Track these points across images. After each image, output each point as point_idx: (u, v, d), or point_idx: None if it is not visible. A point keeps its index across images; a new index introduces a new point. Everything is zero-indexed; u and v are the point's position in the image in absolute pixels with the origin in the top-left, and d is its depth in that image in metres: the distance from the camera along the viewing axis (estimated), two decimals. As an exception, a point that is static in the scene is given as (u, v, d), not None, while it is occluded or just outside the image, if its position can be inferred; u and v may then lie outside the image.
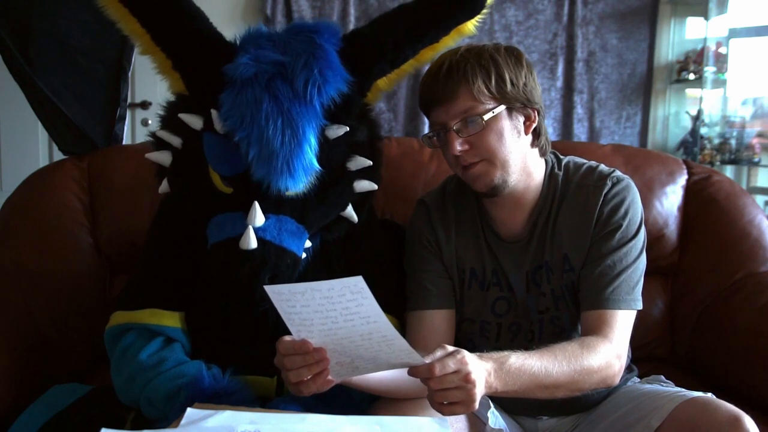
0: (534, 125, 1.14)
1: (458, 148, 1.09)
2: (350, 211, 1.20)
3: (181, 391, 1.05)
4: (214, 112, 1.07)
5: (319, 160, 1.07)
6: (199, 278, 1.18)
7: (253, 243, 1.03)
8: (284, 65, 1.06)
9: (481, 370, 0.91)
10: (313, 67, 1.06)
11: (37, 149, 2.93)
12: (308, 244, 1.14)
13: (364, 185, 1.19)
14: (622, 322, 1.10)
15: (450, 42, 1.18)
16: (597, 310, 1.10)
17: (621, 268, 1.11)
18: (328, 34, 1.11)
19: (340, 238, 1.22)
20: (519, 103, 1.11)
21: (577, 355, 1.02)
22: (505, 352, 0.97)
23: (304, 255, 1.13)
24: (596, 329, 1.09)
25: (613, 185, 1.15)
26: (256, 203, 1.05)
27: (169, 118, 1.17)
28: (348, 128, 1.12)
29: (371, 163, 1.18)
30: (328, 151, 1.09)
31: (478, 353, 0.94)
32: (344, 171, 1.16)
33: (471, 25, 1.18)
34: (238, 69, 1.05)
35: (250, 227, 1.04)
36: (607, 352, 1.05)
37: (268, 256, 1.05)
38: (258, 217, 1.05)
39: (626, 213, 1.14)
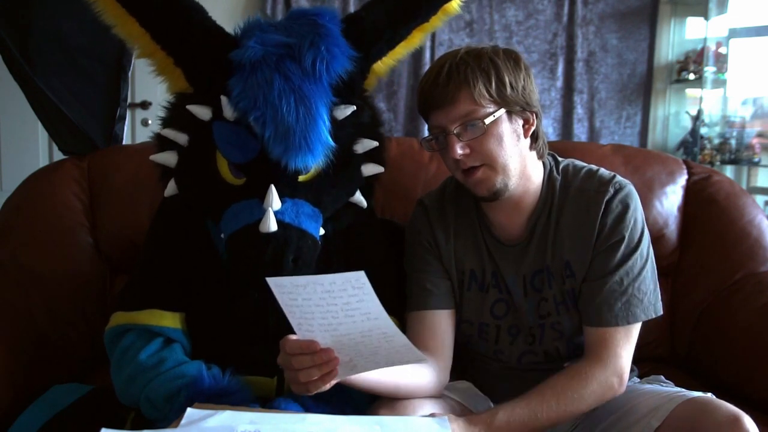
0: (532, 128, 1.14)
1: (459, 151, 1.09)
2: (359, 197, 1.21)
3: (181, 391, 1.05)
4: (224, 99, 1.08)
5: (331, 138, 1.08)
6: (200, 278, 1.18)
7: (274, 225, 1.03)
8: (291, 46, 1.07)
9: None
10: (320, 45, 1.07)
11: (37, 149, 2.93)
12: (322, 231, 1.14)
13: (370, 168, 1.21)
14: (627, 336, 1.10)
15: (437, 22, 1.24)
16: (601, 328, 1.11)
17: (627, 282, 1.11)
18: (330, 16, 1.13)
19: (342, 235, 1.22)
20: (518, 107, 1.11)
21: (566, 390, 1.05)
22: (493, 409, 1.00)
23: (319, 240, 1.13)
24: (595, 349, 1.10)
25: (616, 192, 1.14)
26: (273, 186, 1.06)
27: (172, 117, 1.17)
28: (355, 107, 1.13)
29: (377, 143, 1.19)
30: (337, 130, 1.10)
31: (466, 417, 0.98)
32: (352, 154, 1.16)
33: (455, 4, 1.23)
34: (246, 52, 1.06)
35: (270, 210, 1.04)
36: (600, 378, 1.07)
37: (290, 237, 1.05)
38: (275, 200, 1.05)
39: (629, 224, 1.12)
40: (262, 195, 1.06)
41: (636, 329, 1.12)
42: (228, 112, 1.08)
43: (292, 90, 1.05)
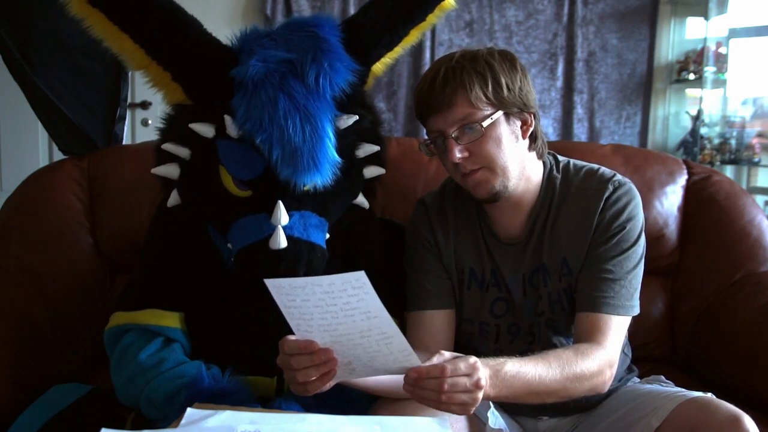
0: (531, 129, 1.14)
1: (458, 155, 1.09)
2: (361, 198, 1.22)
3: (181, 391, 1.05)
4: (227, 118, 1.06)
5: (336, 151, 1.08)
6: (200, 278, 1.18)
7: (284, 242, 1.04)
8: (293, 62, 1.06)
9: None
10: (323, 61, 1.07)
11: (37, 149, 2.93)
12: (327, 236, 1.14)
13: (372, 171, 1.21)
14: (618, 328, 1.10)
15: (434, 19, 1.24)
16: (594, 313, 1.10)
17: (621, 274, 1.11)
18: (329, 26, 1.12)
19: (341, 235, 1.22)
20: (516, 108, 1.11)
21: (570, 363, 1.02)
22: (502, 359, 0.97)
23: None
24: (591, 334, 1.08)
25: (615, 189, 1.14)
26: (281, 202, 1.05)
27: (172, 130, 1.15)
28: (357, 117, 1.13)
29: (378, 148, 1.19)
30: (340, 141, 1.10)
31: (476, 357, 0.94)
32: (354, 159, 1.16)
33: (452, 0, 1.23)
34: (248, 71, 1.05)
35: (280, 227, 1.04)
36: (600, 360, 1.05)
37: (301, 252, 1.05)
38: (284, 216, 1.05)
39: (627, 218, 1.13)
40: (270, 209, 1.05)
41: (624, 325, 1.12)
42: (232, 131, 1.07)
43: (296, 109, 1.04)
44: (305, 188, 1.08)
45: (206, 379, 1.07)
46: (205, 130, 1.09)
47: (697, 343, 1.55)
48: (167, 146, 1.13)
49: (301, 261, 1.05)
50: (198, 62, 1.09)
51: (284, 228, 1.05)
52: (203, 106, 1.11)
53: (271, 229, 1.04)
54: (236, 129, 1.06)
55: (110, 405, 1.19)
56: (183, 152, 1.12)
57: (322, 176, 1.06)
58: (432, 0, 1.20)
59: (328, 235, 1.14)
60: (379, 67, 1.22)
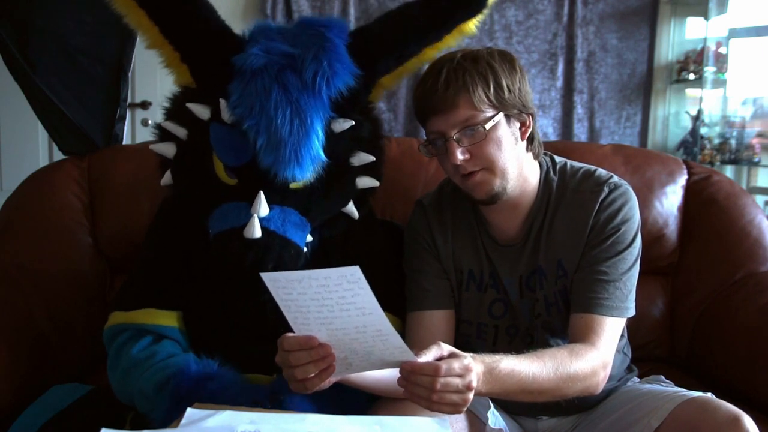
0: (529, 131, 1.14)
1: (459, 157, 1.08)
2: (351, 207, 1.21)
3: (170, 380, 1.06)
4: (222, 102, 1.08)
5: (325, 152, 1.08)
6: (198, 276, 1.18)
7: (258, 232, 1.04)
8: (294, 57, 1.07)
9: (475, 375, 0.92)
10: (323, 60, 1.07)
11: (37, 149, 2.93)
12: (309, 238, 1.14)
13: (365, 182, 1.20)
14: (612, 329, 1.09)
15: (452, 41, 1.21)
16: (588, 314, 1.10)
17: (616, 275, 1.11)
18: (338, 29, 1.13)
19: (340, 237, 1.22)
20: (516, 110, 1.11)
21: (565, 363, 1.02)
22: (497, 356, 0.97)
23: (305, 249, 1.13)
24: (585, 335, 1.08)
25: (611, 191, 1.14)
26: (262, 193, 1.06)
27: (175, 110, 1.18)
28: (353, 122, 1.13)
29: (374, 158, 1.18)
30: (333, 144, 1.10)
31: (471, 354, 0.94)
32: (347, 166, 1.16)
33: (472, 25, 1.20)
34: (248, 59, 1.06)
35: (255, 216, 1.05)
36: (594, 361, 1.05)
37: (272, 245, 1.05)
38: (263, 207, 1.06)
39: (623, 221, 1.13)
40: (252, 199, 1.06)
41: (618, 326, 1.12)
42: (225, 115, 1.08)
43: (289, 102, 1.05)
44: (291, 186, 1.08)
45: (193, 365, 1.07)
46: (201, 111, 1.11)
47: (697, 343, 1.55)
48: (166, 124, 1.16)
49: (270, 254, 1.05)
50: (205, 45, 1.11)
51: (262, 219, 1.05)
52: (205, 90, 1.13)
53: (249, 218, 1.05)
54: (229, 113, 1.07)
55: (110, 405, 1.19)
56: (181, 132, 1.15)
57: (302, 171, 1.07)
58: (449, 22, 1.18)
59: (310, 238, 1.14)
60: (389, 80, 1.21)
